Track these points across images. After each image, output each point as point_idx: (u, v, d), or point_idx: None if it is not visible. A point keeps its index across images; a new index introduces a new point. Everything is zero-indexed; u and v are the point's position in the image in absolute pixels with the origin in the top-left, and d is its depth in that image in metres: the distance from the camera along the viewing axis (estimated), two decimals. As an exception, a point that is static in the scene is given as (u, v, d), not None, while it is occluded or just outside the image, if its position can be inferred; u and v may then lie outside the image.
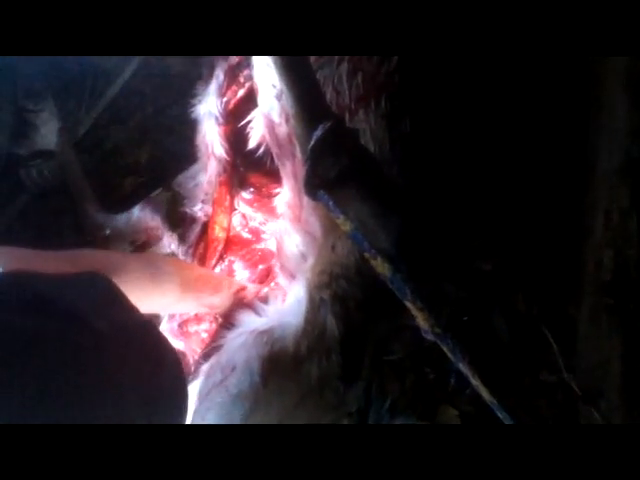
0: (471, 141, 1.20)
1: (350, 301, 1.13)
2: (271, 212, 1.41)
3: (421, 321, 0.90)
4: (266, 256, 1.46)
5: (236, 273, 1.48)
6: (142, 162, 1.94)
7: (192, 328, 1.44)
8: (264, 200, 1.48)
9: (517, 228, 1.28)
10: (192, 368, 1.37)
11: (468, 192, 1.22)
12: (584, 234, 1.09)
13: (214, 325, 1.42)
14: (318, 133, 0.95)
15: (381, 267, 0.91)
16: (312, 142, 0.96)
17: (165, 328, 1.46)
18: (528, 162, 1.24)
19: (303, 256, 1.23)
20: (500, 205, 1.27)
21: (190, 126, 1.51)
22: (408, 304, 0.90)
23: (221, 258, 1.49)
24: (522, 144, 1.23)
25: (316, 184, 0.97)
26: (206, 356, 1.32)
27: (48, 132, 1.88)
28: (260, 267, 1.45)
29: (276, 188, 1.36)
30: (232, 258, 1.49)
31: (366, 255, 0.93)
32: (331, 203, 0.95)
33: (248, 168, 1.46)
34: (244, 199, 1.49)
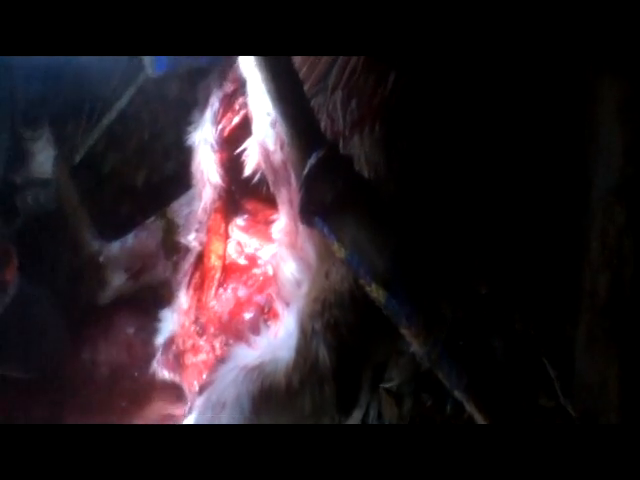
0: (467, 162, 1.20)
1: (343, 329, 1.12)
2: (267, 237, 1.41)
3: (417, 347, 0.89)
4: (268, 280, 1.44)
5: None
6: (138, 188, 1.95)
7: (189, 360, 1.43)
8: (259, 226, 1.47)
9: (513, 249, 1.28)
10: (188, 403, 1.36)
11: (464, 214, 1.22)
12: (580, 254, 1.09)
13: (211, 355, 1.40)
14: (312, 161, 0.96)
15: (376, 293, 0.91)
16: (306, 169, 0.96)
17: (160, 360, 1.44)
18: (524, 183, 1.24)
19: (298, 283, 1.22)
20: (496, 226, 1.27)
21: (187, 152, 1.52)
22: (403, 330, 0.90)
23: (221, 286, 1.48)
24: (518, 165, 1.23)
25: (311, 211, 0.97)
26: (202, 390, 1.30)
27: (45, 159, 1.88)
28: (266, 292, 1.43)
29: (272, 214, 1.36)
30: (234, 285, 1.47)
31: (361, 281, 0.93)
32: (326, 229, 0.95)
33: (243, 195, 1.47)
34: (238, 226, 1.49)
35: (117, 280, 1.71)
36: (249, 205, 1.49)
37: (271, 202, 1.33)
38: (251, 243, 1.49)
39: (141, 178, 1.94)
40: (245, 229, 1.50)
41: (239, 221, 1.50)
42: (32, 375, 1.62)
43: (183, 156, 1.57)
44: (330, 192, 0.95)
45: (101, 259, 1.70)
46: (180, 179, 1.63)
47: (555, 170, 1.22)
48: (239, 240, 1.51)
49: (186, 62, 1.55)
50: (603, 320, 0.98)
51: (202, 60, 1.56)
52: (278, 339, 1.21)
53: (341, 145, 1.15)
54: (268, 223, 1.36)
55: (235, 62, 1.31)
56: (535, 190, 1.24)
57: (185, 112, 1.54)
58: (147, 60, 1.54)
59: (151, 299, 1.69)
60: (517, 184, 1.24)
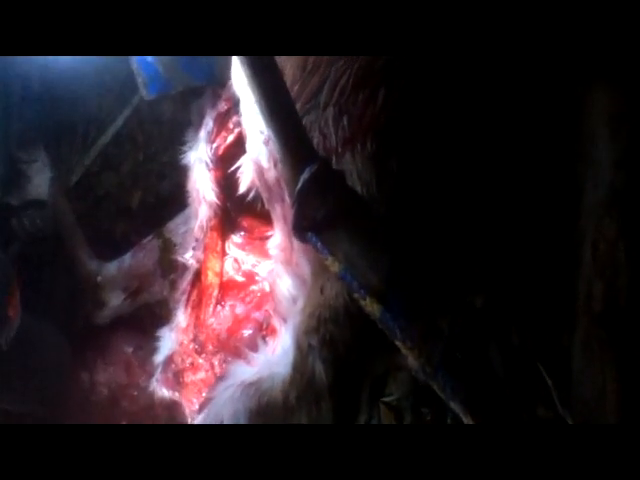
0: (459, 176, 1.21)
1: (339, 344, 1.12)
2: (263, 253, 1.41)
3: (412, 360, 0.89)
4: (266, 296, 1.45)
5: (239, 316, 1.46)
6: (133, 208, 1.96)
7: (188, 378, 1.43)
8: (255, 242, 1.48)
9: (507, 261, 1.29)
10: (189, 421, 1.35)
11: (457, 227, 1.22)
12: (574, 266, 1.10)
13: (210, 373, 1.40)
14: (305, 176, 0.97)
15: (370, 307, 0.91)
16: (299, 185, 0.97)
17: (160, 378, 1.44)
18: (516, 194, 1.25)
19: (293, 299, 1.22)
20: (490, 239, 1.27)
21: (182, 171, 1.53)
22: (398, 344, 0.90)
23: (219, 303, 1.48)
24: (510, 177, 1.24)
25: (304, 226, 0.98)
26: (201, 408, 1.29)
27: (41, 182, 1.89)
28: (264, 308, 1.43)
29: (267, 231, 1.37)
30: (232, 302, 1.48)
31: (355, 296, 0.93)
32: (319, 244, 0.96)
33: (239, 212, 1.47)
34: (235, 243, 1.50)
35: (115, 300, 1.71)
36: (245, 222, 1.50)
37: (266, 218, 1.33)
38: (248, 260, 1.50)
39: (137, 198, 1.95)
40: (242, 246, 1.51)
41: (235, 238, 1.51)
42: (31, 407, 1.62)
43: (178, 175, 1.58)
44: (323, 207, 0.96)
45: (98, 279, 1.70)
46: (176, 198, 1.64)
47: (546, 183, 1.23)
48: (236, 257, 1.51)
49: (179, 83, 1.57)
50: (598, 330, 0.99)
51: (195, 80, 1.57)
52: (275, 355, 1.21)
53: (334, 162, 1.16)
54: (264, 239, 1.37)
55: (228, 81, 1.33)
56: (527, 202, 1.25)
57: (179, 132, 1.56)
58: (141, 82, 1.56)
59: (149, 318, 1.70)
60: (509, 195, 1.25)
